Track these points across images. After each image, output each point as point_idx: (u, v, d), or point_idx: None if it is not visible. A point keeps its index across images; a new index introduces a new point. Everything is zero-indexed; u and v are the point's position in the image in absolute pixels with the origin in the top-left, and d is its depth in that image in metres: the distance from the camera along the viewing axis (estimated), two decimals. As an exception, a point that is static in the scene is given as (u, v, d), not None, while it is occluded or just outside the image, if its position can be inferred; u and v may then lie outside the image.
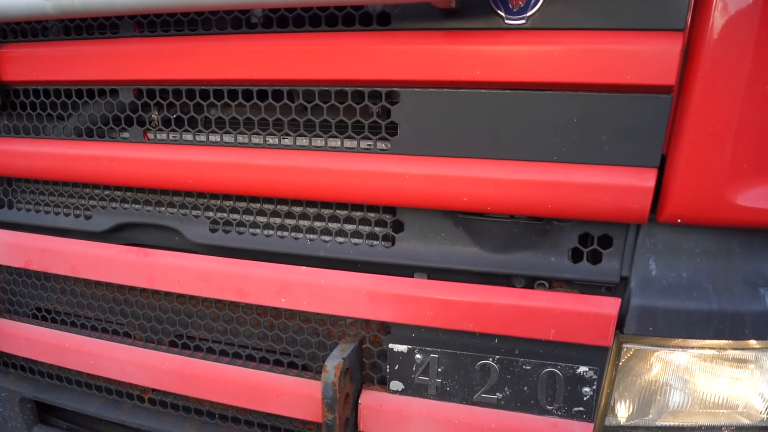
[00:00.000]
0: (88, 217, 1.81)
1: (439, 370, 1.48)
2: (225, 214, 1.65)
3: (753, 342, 1.32)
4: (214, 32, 1.43)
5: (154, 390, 1.89)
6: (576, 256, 1.38)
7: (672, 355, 1.38)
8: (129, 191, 1.75)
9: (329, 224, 1.54)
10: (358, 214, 1.51)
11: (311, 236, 1.56)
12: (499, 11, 1.19)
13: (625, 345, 1.38)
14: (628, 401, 1.45)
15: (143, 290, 1.76)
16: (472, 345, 1.44)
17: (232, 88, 1.47)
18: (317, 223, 1.55)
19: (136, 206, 1.74)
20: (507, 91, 1.24)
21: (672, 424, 1.44)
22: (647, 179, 1.20)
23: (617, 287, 1.37)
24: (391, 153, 1.36)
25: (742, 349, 1.35)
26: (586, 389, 1.39)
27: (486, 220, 1.40)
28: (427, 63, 1.25)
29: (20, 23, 1.64)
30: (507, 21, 1.19)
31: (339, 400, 1.41)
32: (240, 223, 1.64)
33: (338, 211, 1.54)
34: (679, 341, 1.34)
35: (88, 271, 1.74)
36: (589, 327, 1.32)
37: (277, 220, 1.60)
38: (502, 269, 1.41)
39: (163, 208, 1.71)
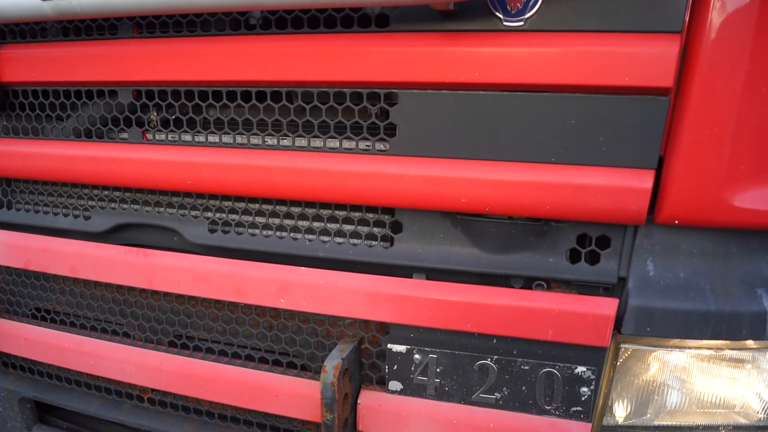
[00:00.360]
0: (87, 218, 1.81)
1: (438, 370, 1.48)
2: (224, 215, 1.65)
3: (750, 342, 1.33)
4: (212, 33, 1.43)
5: (153, 390, 1.89)
6: (574, 257, 1.38)
7: (669, 356, 1.39)
8: (128, 192, 1.75)
9: (328, 225, 1.55)
10: (357, 214, 1.51)
11: (310, 237, 1.56)
12: (497, 13, 1.19)
13: (622, 345, 1.38)
14: (625, 401, 1.45)
15: (142, 290, 1.76)
16: (470, 345, 1.44)
17: (230, 89, 1.47)
18: (316, 224, 1.56)
19: (135, 207, 1.74)
20: (505, 92, 1.24)
21: (669, 423, 1.45)
22: (645, 181, 1.21)
23: (615, 288, 1.38)
24: (389, 154, 1.36)
25: (740, 349, 1.35)
26: (584, 389, 1.40)
27: (484, 220, 1.40)
28: (426, 65, 1.25)
29: (19, 24, 1.64)
30: (505, 23, 1.19)
31: (338, 400, 1.41)
32: (239, 224, 1.64)
33: (337, 212, 1.54)
34: (676, 341, 1.35)
35: (87, 272, 1.75)
36: (587, 327, 1.33)
37: (276, 221, 1.60)
38: (500, 270, 1.41)
39: (162, 209, 1.71)
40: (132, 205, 1.74)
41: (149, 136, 1.64)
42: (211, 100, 1.49)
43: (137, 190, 1.73)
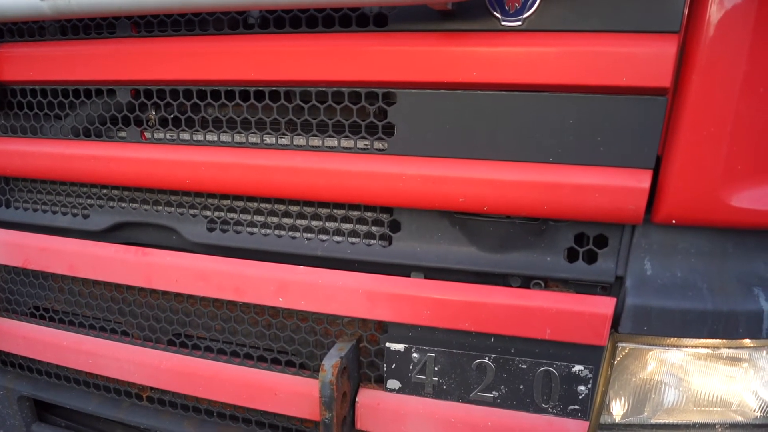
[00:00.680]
0: (85, 216, 1.81)
1: (436, 368, 1.49)
2: (222, 214, 1.65)
3: (747, 341, 1.33)
4: (211, 33, 1.43)
5: (152, 388, 1.89)
6: (572, 256, 1.38)
7: (667, 354, 1.39)
8: (127, 190, 1.75)
9: (326, 224, 1.55)
10: (356, 213, 1.52)
11: (308, 236, 1.56)
12: (495, 13, 1.19)
13: (620, 344, 1.39)
14: (623, 399, 1.46)
15: (141, 289, 1.77)
16: (468, 344, 1.45)
17: (229, 88, 1.47)
18: (314, 223, 1.56)
19: (134, 205, 1.74)
20: (503, 92, 1.24)
21: (667, 421, 1.46)
22: (642, 180, 1.21)
23: (612, 287, 1.38)
24: (388, 153, 1.37)
25: (737, 348, 1.36)
26: (582, 388, 1.41)
27: (482, 220, 1.40)
28: (424, 64, 1.25)
29: (17, 23, 1.63)
30: (503, 23, 1.20)
31: (336, 399, 1.41)
32: (237, 223, 1.64)
33: (335, 211, 1.54)
34: (673, 340, 1.35)
35: (86, 271, 1.75)
36: (585, 326, 1.33)
37: (275, 220, 1.61)
38: (498, 269, 1.42)
39: (160, 207, 1.71)
40: (131, 204, 1.75)
41: (148, 135, 1.64)
42: (209, 100, 1.49)
43: (136, 188, 1.73)
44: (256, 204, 1.61)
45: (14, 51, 1.64)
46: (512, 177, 1.27)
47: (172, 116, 1.57)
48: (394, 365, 1.51)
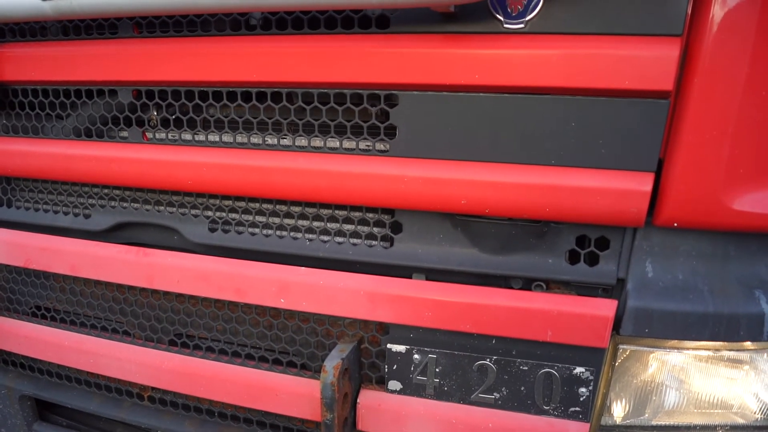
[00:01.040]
0: (87, 216, 1.81)
1: (437, 370, 1.49)
2: (224, 214, 1.65)
3: (748, 343, 1.33)
4: (213, 34, 1.43)
5: (153, 388, 1.90)
6: (573, 258, 1.39)
7: (668, 356, 1.39)
8: (128, 190, 1.75)
9: (328, 225, 1.55)
10: (357, 214, 1.52)
11: (310, 236, 1.56)
12: (498, 15, 1.19)
13: (621, 346, 1.39)
14: (624, 401, 1.46)
15: (143, 289, 1.77)
16: (469, 345, 1.45)
17: (231, 89, 1.47)
18: (316, 224, 1.56)
19: (136, 205, 1.74)
20: (505, 94, 1.24)
21: (667, 423, 1.46)
22: (644, 183, 1.21)
23: (614, 289, 1.38)
24: (389, 155, 1.37)
25: (738, 350, 1.36)
26: (583, 389, 1.41)
27: (484, 222, 1.40)
28: (426, 66, 1.25)
29: (19, 23, 1.63)
30: (506, 25, 1.19)
31: (338, 400, 1.42)
32: (239, 223, 1.64)
33: (337, 212, 1.54)
34: (674, 342, 1.35)
35: (87, 271, 1.75)
36: (586, 328, 1.33)
37: (276, 220, 1.61)
38: (499, 270, 1.42)
39: (162, 208, 1.72)
40: (132, 204, 1.75)
41: (149, 135, 1.64)
42: (211, 100, 1.49)
43: (137, 188, 1.73)
44: (257, 205, 1.61)
45: (16, 51, 1.64)
46: (514, 179, 1.27)
47: (173, 117, 1.57)
48: (395, 366, 1.52)
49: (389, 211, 1.49)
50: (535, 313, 1.35)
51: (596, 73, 1.15)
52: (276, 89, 1.43)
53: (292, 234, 1.58)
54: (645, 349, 1.39)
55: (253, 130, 1.50)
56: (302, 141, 1.46)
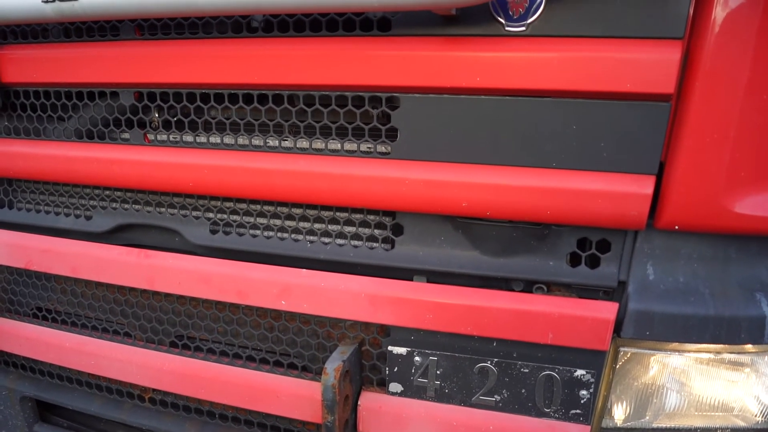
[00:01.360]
0: (88, 218, 1.81)
1: (438, 372, 1.49)
2: (225, 216, 1.66)
3: (749, 346, 1.33)
4: (214, 36, 1.43)
5: (154, 390, 1.90)
6: (574, 261, 1.39)
7: (669, 359, 1.39)
8: (129, 192, 1.75)
9: (329, 227, 1.55)
10: (358, 216, 1.52)
11: (311, 238, 1.57)
12: (499, 18, 1.19)
13: (622, 348, 1.39)
14: (624, 403, 1.46)
15: (144, 291, 1.77)
16: (470, 348, 1.45)
17: (232, 91, 1.47)
18: (317, 226, 1.56)
19: (137, 207, 1.74)
20: (507, 97, 1.24)
21: (668, 426, 1.46)
22: (645, 186, 1.21)
23: (615, 291, 1.38)
24: (391, 157, 1.37)
25: (738, 353, 1.36)
26: (584, 392, 1.41)
27: (485, 224, 1.40)
28: (428, 69, 1.25)
29: (20, 25, 1.63)
30: (507, 28, 1.19)
31: (338, 402, 1.42)
32: (240, 225, 1.64)
33: (338, 214, 1.54)
34: (675, 345, 1.36)
35: (88, 272, 1.75)
36: (587, 331, 1.33)
37: (277, 222, 1.61)
38: (500, 273, 1.42)
39: (163, 209, 1.72)
40: (133, 206, 1.75)
41: (151, 137, 1.64)
42: (212, 103, 1.49)
43: (139, 190, 1.73)
44: (258, 206, 1.61)
45: (17, 53, 1.65)
46: (515, 182, 1.27)
47: (175, 119, 1.57)
48: (396, 368, 1.52)
49: (390, 214, 1.49)
50: (536, 315, 1.35)
51: (598, 76, 1.15)
52: (277, 91, 1.43)
53: (293, 236, 1.58)
54: (646, 351, 1.39)
55: (254, 132, 1.50)
56: (304, 143, 1.46)
